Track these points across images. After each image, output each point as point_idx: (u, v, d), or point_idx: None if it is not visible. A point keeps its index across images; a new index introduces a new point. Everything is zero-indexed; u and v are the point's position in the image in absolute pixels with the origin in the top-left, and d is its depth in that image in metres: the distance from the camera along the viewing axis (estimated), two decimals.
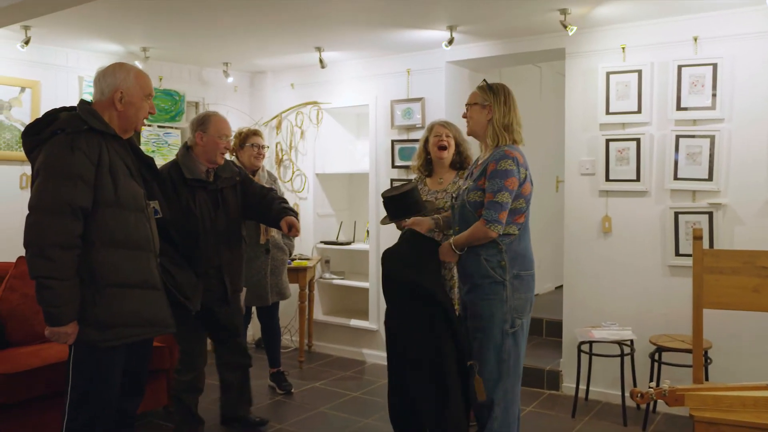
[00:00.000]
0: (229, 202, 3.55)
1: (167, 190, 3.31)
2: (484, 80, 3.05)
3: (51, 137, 2.56)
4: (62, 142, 2.54)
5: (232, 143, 3.67)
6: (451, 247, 2.97)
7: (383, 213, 3.62)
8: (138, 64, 4.98)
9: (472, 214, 2.89)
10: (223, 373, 3.82)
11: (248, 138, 4.37)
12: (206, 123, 3.49)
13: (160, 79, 5.36)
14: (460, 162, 3.93)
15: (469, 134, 3.12)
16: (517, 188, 2.85)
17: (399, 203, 3.50)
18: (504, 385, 2.91)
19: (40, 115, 2.68)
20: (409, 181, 3.86)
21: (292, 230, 3.54)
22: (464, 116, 3.08)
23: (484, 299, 2.90)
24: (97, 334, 2.59)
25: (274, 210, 3.61)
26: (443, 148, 3.83)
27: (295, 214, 3.65)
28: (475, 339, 2.95)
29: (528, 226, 2.98)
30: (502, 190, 2.80)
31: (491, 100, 2.94)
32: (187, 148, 3.52)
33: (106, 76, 2.71)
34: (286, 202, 3.74)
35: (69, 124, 2.58)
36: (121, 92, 2.69)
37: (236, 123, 5.93)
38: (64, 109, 2.70)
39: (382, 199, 3.59)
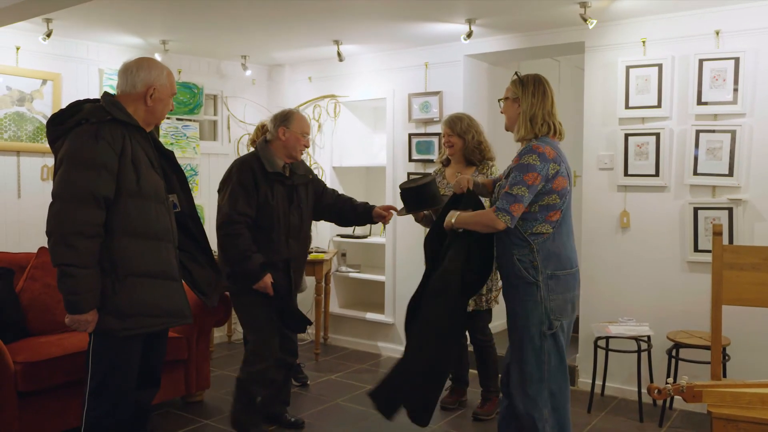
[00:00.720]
0: (302, 198, 3.64)
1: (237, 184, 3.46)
2: (516, 73, 2.98)
3: (75, 127, 2.60)
4: (86, 132, 2.57)
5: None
6: (452, 220, 2.90)
7: (401, 205, 3.64)
8: (158, 57, 5.03)
9: None
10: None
11: None
12: (290, 119, 3.59)
13: (179, 72, 5.39)
14: (471, 159, 3.97)
15: (506, 129, 3.04)
16: (541, 183, 2.75)
17: (416, 195, 3.51)
18: (548, 387, 2.85)
19: (64, 107, 2.72)
20: (427, 174, 3.88)
21: (389, 214, 3.75)
22: (501, 112, 3.03)
23: (519, 300, 2.84)
24: (117, 323, 2.62)
25: (360, 207, 3.79)
26: (448, 146, 3.97)
27: None
28: (513, 340, 2.90)
29: (566, 224, 2.88)
30: (519, 183, 2.72)
31: (519, 93, 2.88)
32: (266, 142, 3.61)
33: (140, 71, 2.74)
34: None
35: (93, 114, 2.62)
36: (154, 89, 2.74)
37: (254, 116, 5.98)
38: (88, 100, 2.74)
39: (399, 191, 3.61)
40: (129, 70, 2.75)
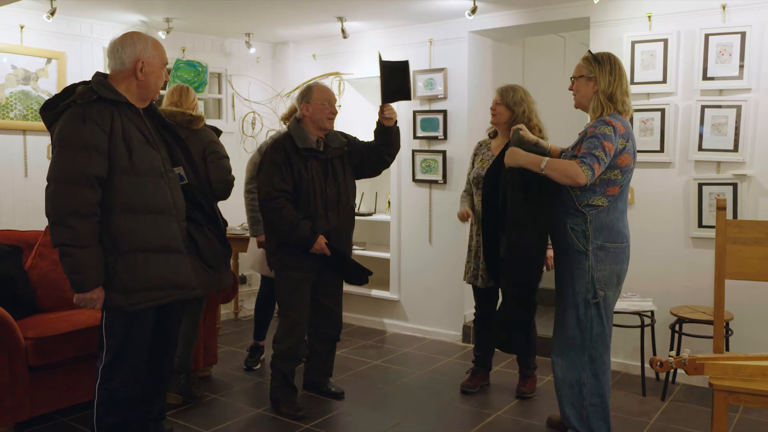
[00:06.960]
0: (337, 171, 3.69)
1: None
2: (589, 51, 3.03)
3: (65, 110, 2.63)
4: (75, 114, 2.60)
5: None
6: (541, 163, 2.87)
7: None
8: (162, 35, 5.02)
9: None
10: (314, 343, 3.95)
11: None
12: (309, 93, 3.66)
13: (183, 50, 5.39)
14: None
15: (576, 107, 3.10)
16: (613, 156, 2.84)
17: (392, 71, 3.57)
18: (589, 353, 3.00)
19: (59, 90, 2.77)
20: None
21: (387, 112, 3.68)
22: (570, 89, 3.07)
23: (568, 268, 2.98)
24: (123, 299, 2.67)
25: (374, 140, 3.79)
26: (493, 114, 3.83)
27: None
28: (559, 304, 3.06)
29: (623, 199, 2.99)
30: (599, 147, 2.81)
31: (596, 71, 2.93)
32: (297, 121, 3.69)
33: (125, 47, 2.74)
34: None
35: (81, 95, 2.65)
36: (142, 62, 2.74)
37: (258, 94, 5.97)
38: (82, 83, 2.76)
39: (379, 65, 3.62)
40: (115, 48, 2.76)
